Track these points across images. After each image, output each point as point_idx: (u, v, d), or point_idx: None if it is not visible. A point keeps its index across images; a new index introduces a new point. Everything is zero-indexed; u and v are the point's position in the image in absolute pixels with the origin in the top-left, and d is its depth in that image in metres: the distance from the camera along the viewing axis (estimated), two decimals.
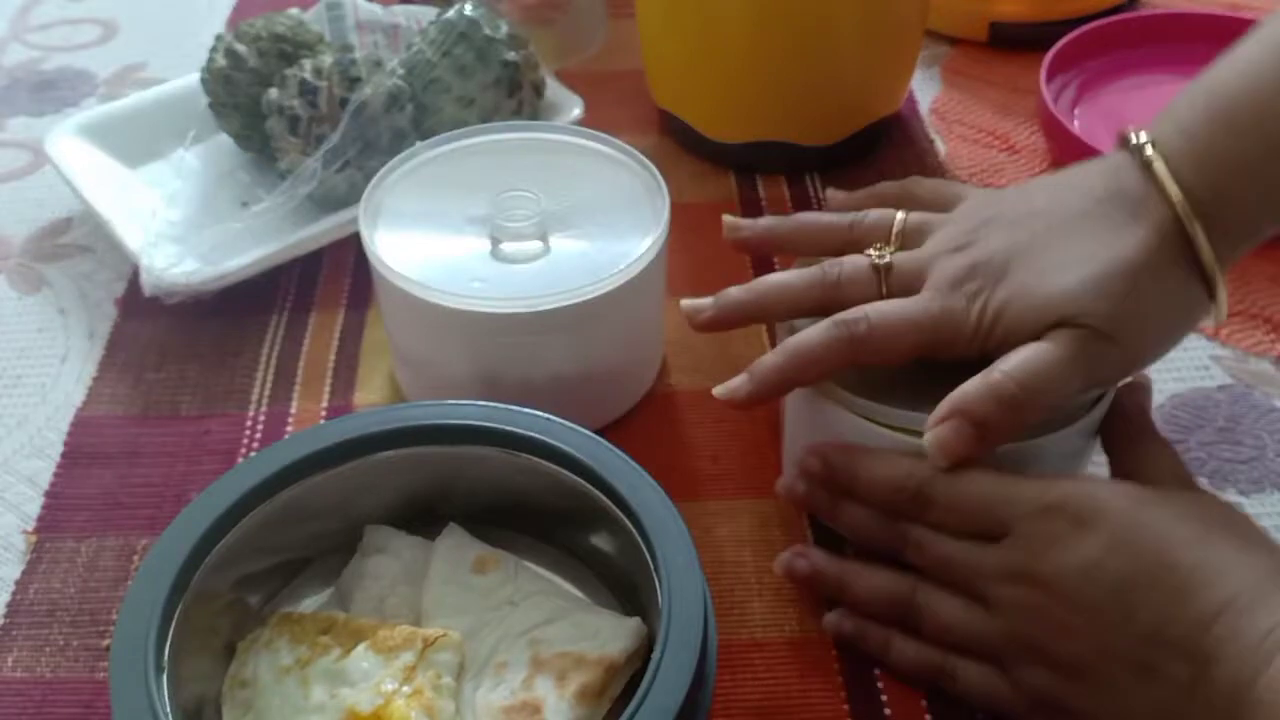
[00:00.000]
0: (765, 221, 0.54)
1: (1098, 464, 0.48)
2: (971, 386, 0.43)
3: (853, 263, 0.48)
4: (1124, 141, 0.45)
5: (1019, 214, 0.46)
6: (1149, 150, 0.44)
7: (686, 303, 0.50)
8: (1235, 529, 0.41)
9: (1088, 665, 0.40)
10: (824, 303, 0.47)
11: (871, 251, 0.48)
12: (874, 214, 0.50)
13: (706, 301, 0.50)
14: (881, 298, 0.47)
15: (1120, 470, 0.46)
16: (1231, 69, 0.44)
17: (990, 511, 0.42)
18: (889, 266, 0.47)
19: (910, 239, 0.48)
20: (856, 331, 0.45)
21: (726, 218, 0.54)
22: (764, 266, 0.64)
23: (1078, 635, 0.40)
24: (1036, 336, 0.43)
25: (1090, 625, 0.40)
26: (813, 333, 0.46)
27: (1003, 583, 0.42)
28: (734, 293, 0.50)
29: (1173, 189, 0.43)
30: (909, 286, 0.46)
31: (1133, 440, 0.46)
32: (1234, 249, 0.43)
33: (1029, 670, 0.42)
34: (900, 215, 0.49)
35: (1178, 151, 0.43)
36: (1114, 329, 0.43)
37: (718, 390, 0.48)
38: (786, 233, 0.53)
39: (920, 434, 0.44)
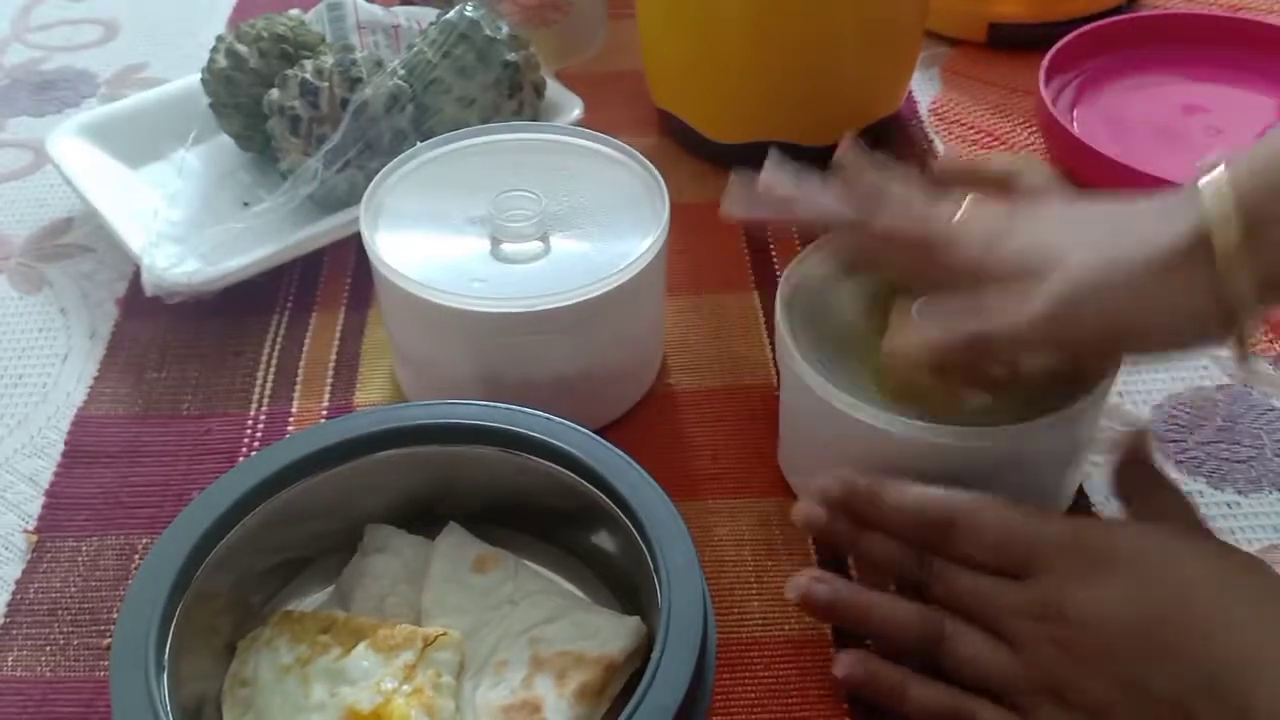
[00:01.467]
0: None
1: (1095, 464, 0.48)
2: (949, 317, 0.44)
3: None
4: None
5: (1076, 204, 0.45)
6: (1206, 162, 0.40)
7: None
8: (1256, 572, 0.40)
9: (1108, 707, 0.39)
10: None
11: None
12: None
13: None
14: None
15: (1136, 519, 0.45)
16: None
17: (1016, 547, 0.42)
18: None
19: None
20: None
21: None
22: (762, 267, 0.65)
23: (1100, 674, 0.39)
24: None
25: (1113, 665, 0.39)
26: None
27: (1026, 619, 0.41)
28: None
29: (1208, 196, 0.39)
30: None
31: (1146, 488, 0.45)
32: (1270, 289, 0.39)
33: (1049, 711, 0.40)
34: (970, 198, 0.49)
35: (1235, 174, 0.40)
36: (1099, 305, 0.41)
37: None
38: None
39: (921, 439, 0.44)
